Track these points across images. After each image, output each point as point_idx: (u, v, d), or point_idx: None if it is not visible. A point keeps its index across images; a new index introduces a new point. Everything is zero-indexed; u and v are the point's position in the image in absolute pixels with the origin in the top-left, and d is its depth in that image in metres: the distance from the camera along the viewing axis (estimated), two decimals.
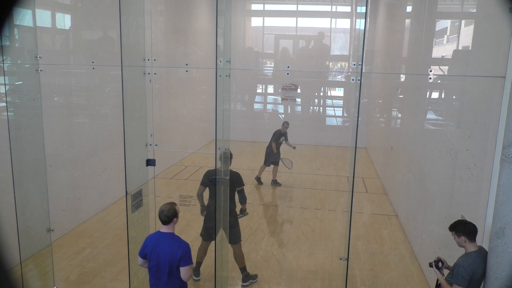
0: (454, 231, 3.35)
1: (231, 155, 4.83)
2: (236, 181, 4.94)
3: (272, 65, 12.51)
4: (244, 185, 5.13)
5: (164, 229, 3.53)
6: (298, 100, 12.01)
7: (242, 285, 5.11)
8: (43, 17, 6.11)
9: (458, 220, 3.37)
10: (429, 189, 5.48)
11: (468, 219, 3.53)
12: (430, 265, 3.54)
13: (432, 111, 6.27)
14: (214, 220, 4.38)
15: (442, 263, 3.50)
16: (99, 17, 6.87)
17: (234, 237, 5.01)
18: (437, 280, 3.49)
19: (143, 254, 3.53)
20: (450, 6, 6.34)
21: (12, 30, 4.46)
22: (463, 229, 3.29)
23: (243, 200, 5.16)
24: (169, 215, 3.48)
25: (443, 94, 5.95)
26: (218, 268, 4.35)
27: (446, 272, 3.50)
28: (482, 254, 3.24)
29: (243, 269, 5.12)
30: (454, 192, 4.52)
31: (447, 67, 5.73)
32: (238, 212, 5.18)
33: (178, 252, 3.42)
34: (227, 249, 4.76)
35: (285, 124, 8.87)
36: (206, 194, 5.13)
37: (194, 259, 4.27)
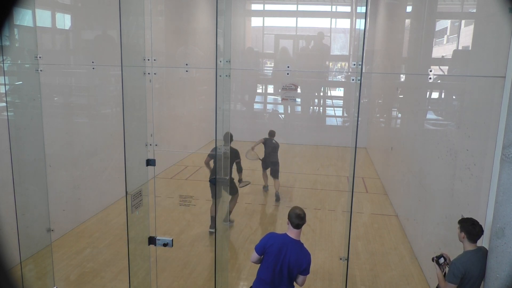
0: (460, 224, 3.37)
1: (231, 136, 6.10)
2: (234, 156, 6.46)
3: (272, 65, 12.51)
4: (240, 159, 6.73)
5: (294, 234, 3.48)
6: (298, 100, 12.01)
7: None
8: (43, 17, 6.11)
9: (470, 218, 3.37)
10: (429, 189, 5.48)
11: None
12: (432, 259, 3.56)
13: (432, 111, 6.27)
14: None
15: (445, 259, 3.51)
16: (99, 17, 6.87)
17: (231, 191, 6.42)
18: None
19: (262, 252, 3.48)
20: (450, 6, 6.35)
21: (12, 30, 4.46)
22: (468, 227, 3.29)
23: (239, 169, 6.81)
24: (304, 218, 3.47)
25: (443, 94, 5.96)
26: (218, 268, 4.35)
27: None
28: (479, 254, 3.25)
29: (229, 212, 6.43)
30: (454, 192, 4.52)
31: (447, 67, 5.73)
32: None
33: (305, 262, 3.47)
34: (227, 249, 4.77)
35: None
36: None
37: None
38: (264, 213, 7.60)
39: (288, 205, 7.97)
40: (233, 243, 6.36)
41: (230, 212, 6.51)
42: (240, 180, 6.95)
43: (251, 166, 9.55)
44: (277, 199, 8.10)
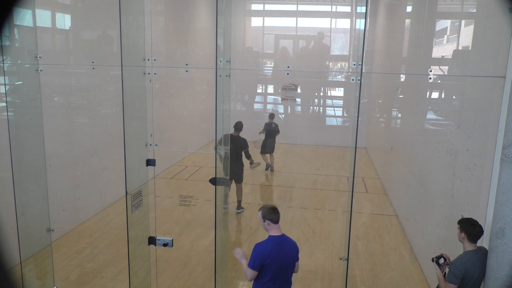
0: (460, 225, 3.37)
1: (242, 125, 7.22)
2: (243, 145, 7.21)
3: (272, 65, 12.51)
4: (248, 147, 7.34)
5: (277, 231, 3.45)
6: (298, 100, 12.01)
7: (236, 212, 7.33)
8: (43, 17, 6.11)
9: (470, 218, 3.37)
10: (429, 189, 5.48)
11: None
12: (432, 260, 3.56)
13: (432, 111, 6.27)
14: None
15: (445, 259, 3.50)
16: (99, 17, 6.87)
17: (239, 178, 7.19)
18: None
19: (260, 266, 3.35)
20: (450, 6, 6.34)
21: (12, 30, 4.46)
22: (468, 227, 3.29)
23: (248, 156, 7.42)
24: (278, 210, 3.47)
25: (443, 94, 5.96)
26: (218, 268, 4.35)
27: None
28: (479, 254, 3.25)
29: (239, 201, 7.34)
30: (454, 192, 4.52)
31: (447, 67, 5.73)
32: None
33: (297, 249, 3.51)
34: (227, 249, 4.77)
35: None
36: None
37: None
38: None
39: (288, 205, 7.97)
40: (233, 243, 6.36)
41: (240, 200, 7.36)
42: (251, 163, 7.75)
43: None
44: (271, 169, 9.67)
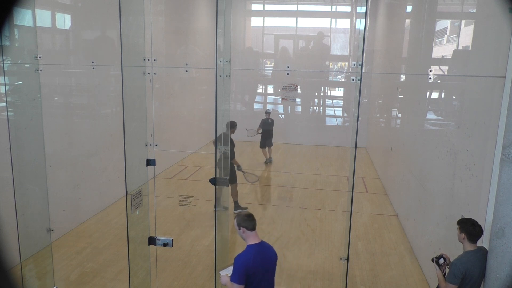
0: (459, 225, 3.36)
1: (235, 124, 7.03)
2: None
3: (272, 65, 12.52)
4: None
5: (256, 238, 3.32)
6: (298, 100, 12.02)
7: (234, 212, 7.01)
8: (43, 17, 6.11)
9: (470, 219, 3.36)
10: (429, 189, 5.49)
11: None
12: (432, 260, 3.55)
13: (432, 111, 6.27)
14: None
15: (445, 259, 3.50)
16: (99, 17, 6.87)
17: (231, 179, 6.93)
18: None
19: (246, 279, 3.19)
20: (450, 6, 6.35)
21: (12, 30, 4.46)
22: (468, 228, 3.29)
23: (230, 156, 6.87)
24: (255, 220, 3.36)
25: (443, 94, 5.96)
26: (218, 268, 4.35)
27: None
28: (479, 254, 3.25)
29: (236, 201, 7.26)
30: (454, 192, 4.52)
31: (447, 67, 5.73)
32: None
33: (276, 254, 3.48)
34: (227, 249, 4.77)
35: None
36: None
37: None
38: (264, 214, 7.60)
39: (288, 205, 7.98)
40: (233, 243, 6.36)
41: (237, 201, 7.29)
42: (238, 167, 7.12)
43: (251, 166, 9.58)
44: (270, 161, 10.39)
